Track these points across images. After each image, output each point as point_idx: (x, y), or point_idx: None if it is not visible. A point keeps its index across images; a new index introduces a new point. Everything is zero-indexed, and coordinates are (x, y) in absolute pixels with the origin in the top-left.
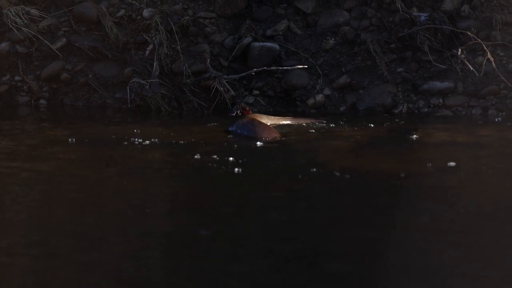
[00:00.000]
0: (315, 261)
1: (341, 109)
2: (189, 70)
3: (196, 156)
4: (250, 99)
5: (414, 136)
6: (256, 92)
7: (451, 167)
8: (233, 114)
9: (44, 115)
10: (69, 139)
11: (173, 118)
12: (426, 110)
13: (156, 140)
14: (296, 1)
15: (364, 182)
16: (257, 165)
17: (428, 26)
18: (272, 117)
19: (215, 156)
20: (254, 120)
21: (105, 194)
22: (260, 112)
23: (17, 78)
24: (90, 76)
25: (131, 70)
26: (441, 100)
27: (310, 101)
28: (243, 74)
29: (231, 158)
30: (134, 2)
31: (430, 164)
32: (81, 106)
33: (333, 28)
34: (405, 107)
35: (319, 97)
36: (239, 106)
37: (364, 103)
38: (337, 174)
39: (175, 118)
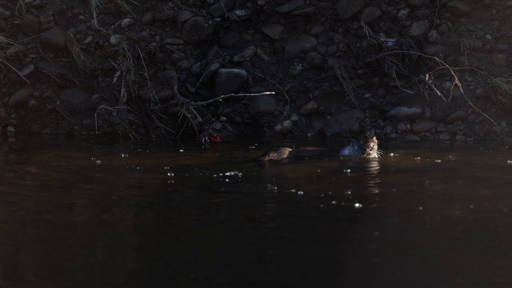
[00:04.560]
0: None
1: (309, 135)
2: (156, 97)
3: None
4: (218, 125)
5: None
6: (224, 118)
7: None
8: (201, 141)
9: (13, 144)
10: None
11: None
12: (393, 135)
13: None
14: (263, 27)
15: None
16: None
17: (396, 51)
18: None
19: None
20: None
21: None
22: (228, 138)
23: None
24: (58, 102)
25: (98, 97)
26: (408, 126)
27: (278, 127)
28: (210, 101)
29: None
30: (101, 29)
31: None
32: (49, 133)
33: (300, 54)
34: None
35: (287, 123)
36: (207, 132)
37: (332, 129)
38: None
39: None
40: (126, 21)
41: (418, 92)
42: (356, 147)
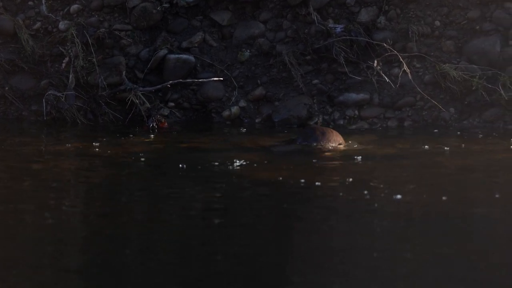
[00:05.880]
0: None
1: (257, 121)
2: (104, 83)
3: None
4: (166, 111)
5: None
6: (172, 104)
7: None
8: (148, 126)
9: None
10: None
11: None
12: (341, 122)
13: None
14: (212, 13)
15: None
16: None
17: (344, 37)
18: None
19: None
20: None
21: None
22: (176, 123)
23: None
24: (7, 88)
25: (47, 83)
26: (356, 112)
27: (226, 113)
28: (158, 86)
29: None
30: (50, 15)
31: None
32: None
33: (248, 40)
34: (320, 118)
35: (235, 109)
36: (155, 118)
37: (280, 115)
38: None
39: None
40: (74, 7)
41: (366, 78)
42: None
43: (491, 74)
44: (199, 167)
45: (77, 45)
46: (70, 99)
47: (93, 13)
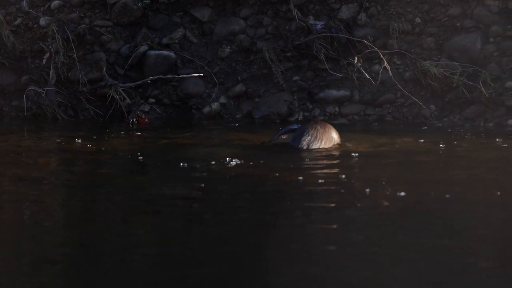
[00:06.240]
0: None
1: (237, 117)
2: (85, 78)
3: None
4: (146, 107)
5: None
6: (152, 100)
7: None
8: (129, 122)
9: None
10: None
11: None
12: (322, 118)
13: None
14: (192, 9)
15: None
16: None
17: (325, 34)
18: None
19: None
20: None
21: None
22: (156, 120)
23: None
24: None
25: (27, 78)
26: (337, 109)
27: (206, 109)
28: (139, 82)
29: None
30: (31, 10)
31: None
32: None
33: (229, 37)
34: (300, 115)
35: (215, 105)
36: (135, 114)
37: (260, 112)
38: None
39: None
40: (55, 3)
41: (347, 75)
42: None
43: (472, 71)
44: (181, 163)
45: (57, 41)
46: (50, 95)
47: (74, 9)
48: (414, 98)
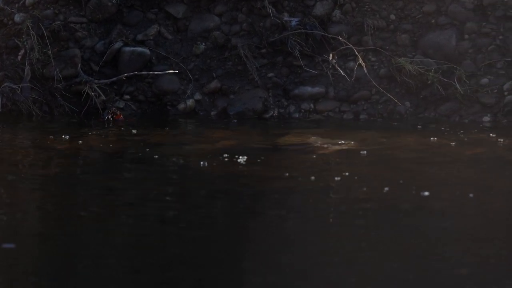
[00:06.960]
0: None
1: (212, 113)
2: (60, 75)
3: None
4: (121, 104)
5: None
6: (127, 97)
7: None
8: (104, 119)
9: None
10: None
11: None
12: (297, 115)
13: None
14: (167, 6)
15: None
16: None
17: (299, 31)
18: None
19: None
20: None
21: None
22: (131, 116)
23: None
24: None
25: (2, 75)
26: (312, 105)
27: (181, 106)
28: (114, 79)
29: None
30: (5, 7)
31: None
32: None
33: (204, 33)
34: (276, 112)
35: (190, 102)
36: (110, 110)
37: (235, 108)
38: None
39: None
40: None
41: (321, 72)
42: None
43: (447, 68)
44: (156, 160)
45: (32, 37)
46: (25, 92)
47: (48, 6)
48: (389, 95)
